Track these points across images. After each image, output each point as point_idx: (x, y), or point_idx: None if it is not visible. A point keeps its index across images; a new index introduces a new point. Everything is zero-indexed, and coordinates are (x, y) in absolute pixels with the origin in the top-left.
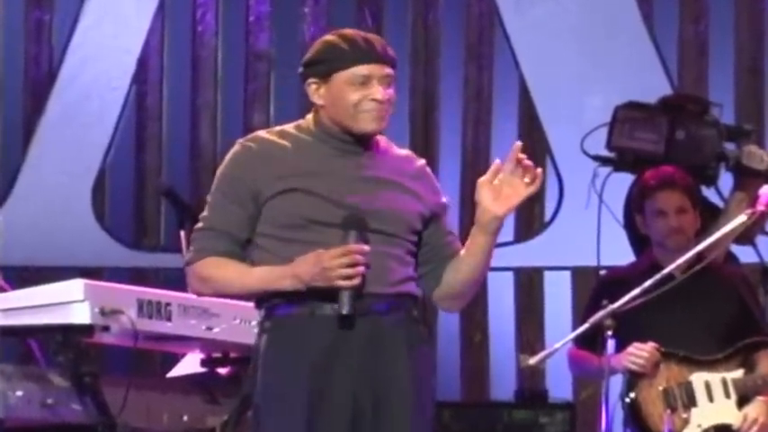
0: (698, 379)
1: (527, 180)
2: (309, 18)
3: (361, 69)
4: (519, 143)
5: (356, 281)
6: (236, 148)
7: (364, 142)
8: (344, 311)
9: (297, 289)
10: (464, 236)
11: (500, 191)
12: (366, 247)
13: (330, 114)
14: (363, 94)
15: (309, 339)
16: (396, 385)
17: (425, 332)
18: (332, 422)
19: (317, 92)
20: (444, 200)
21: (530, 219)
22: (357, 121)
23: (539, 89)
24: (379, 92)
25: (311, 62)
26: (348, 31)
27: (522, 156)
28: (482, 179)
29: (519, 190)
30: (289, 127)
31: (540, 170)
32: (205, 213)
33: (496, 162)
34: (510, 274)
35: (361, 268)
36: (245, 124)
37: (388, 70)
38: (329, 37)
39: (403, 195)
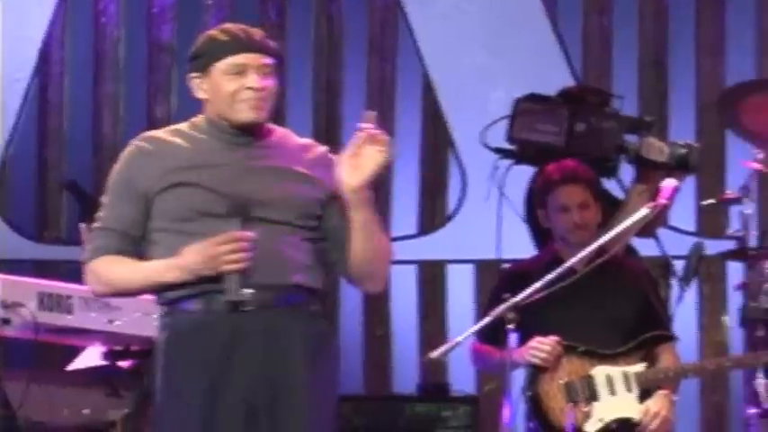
0: (600, 373)
1: (379, 149)
2: (213, 10)
3: (237, 59)
4: (371, 112)
5: (242, 264)
6: (128, 147)
7: (254, 133)
8: (232, 298)
9: (185, 280)
10: None
11: (359, 164)
12: (251, 234)
13: (213, 108)
14: (240, 83)
15: (205, 335)
16: (292, 382)
17: (326, 327)
18: (227, 419)
19: (200, 86)
20: None
21: (432, 212)
22: (235, 112)
23: (442, 82)
24: (254, 80)
25: (192, 57)
26: (228, 25)
27: (368, 125)
28: (342, 155)
29: (374, 159)
30: (183, 125)
31: (387, 137)
32: (100, 213)
33: (357, 135)
34: (413, 268)
35: (247, 253)
36: (148, 116)
37: (267, 60)
38: (210, 31)
39: (298, 183)
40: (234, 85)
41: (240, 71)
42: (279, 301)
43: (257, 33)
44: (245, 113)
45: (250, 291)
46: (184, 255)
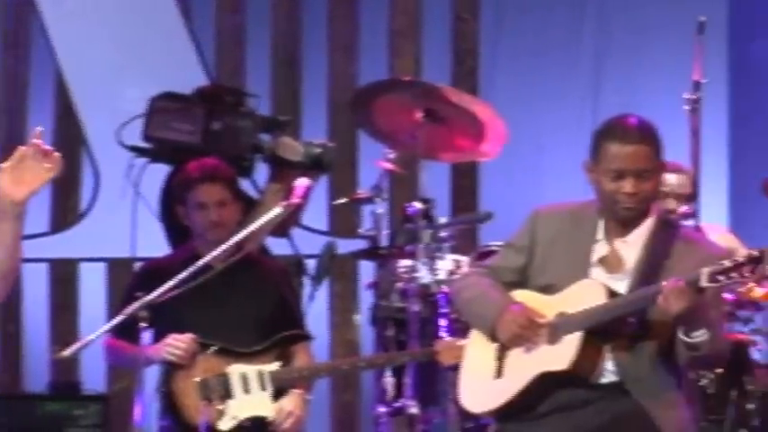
0: (235, 371)
1: (48, 165)
2: None
3: None
4: (39, 128)
5: None
6: None
7: None
8: None
9: None
10: None
11: (22, 176)
12: None
13: None
14: None
15: None
16: None
17: None
18: None
19: None
20: None
21: (65, 210)
22: None
23: (75, 79)
24: None
25: None
26: None
27: (40, 141)
28: (4, 165)
29: (40, 175)
30: None
31: (58, 155)
32: None
33: (21, 148)
34: (44, 266)
35: None
36: None
37: None
38: None
39: None
40: None
41: None
42: None
43: None
44: None
45: None
46: None
